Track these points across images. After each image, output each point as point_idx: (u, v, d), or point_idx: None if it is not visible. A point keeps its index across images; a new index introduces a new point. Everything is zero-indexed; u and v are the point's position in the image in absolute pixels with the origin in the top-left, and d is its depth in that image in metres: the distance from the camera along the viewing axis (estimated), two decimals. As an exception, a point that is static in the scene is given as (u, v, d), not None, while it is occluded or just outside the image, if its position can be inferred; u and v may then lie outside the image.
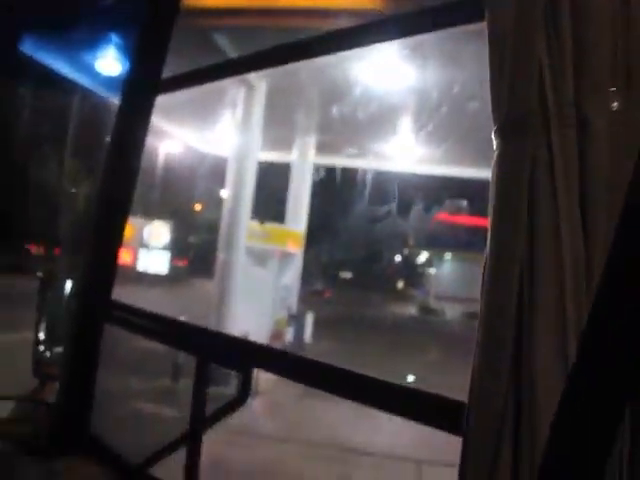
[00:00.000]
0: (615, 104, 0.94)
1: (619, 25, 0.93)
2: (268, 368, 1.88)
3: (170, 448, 2.09)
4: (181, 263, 20.38)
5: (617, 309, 0.77)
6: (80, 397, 2.51)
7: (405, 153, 11.73)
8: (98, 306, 2.48)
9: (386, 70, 8.42)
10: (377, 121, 10.05)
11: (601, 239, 0.92)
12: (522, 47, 1.01)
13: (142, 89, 2.40)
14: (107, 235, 2.54)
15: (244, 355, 1.92)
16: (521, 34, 1.01)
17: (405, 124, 11.35)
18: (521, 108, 1.01)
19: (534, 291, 0.98)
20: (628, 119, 0.92)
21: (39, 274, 3.27)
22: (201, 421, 1.97)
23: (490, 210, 1.05)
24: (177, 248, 16.73)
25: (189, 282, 17.33)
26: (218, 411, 1.94)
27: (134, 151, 2.48)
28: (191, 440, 1.98)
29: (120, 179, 2.51)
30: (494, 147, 1.06)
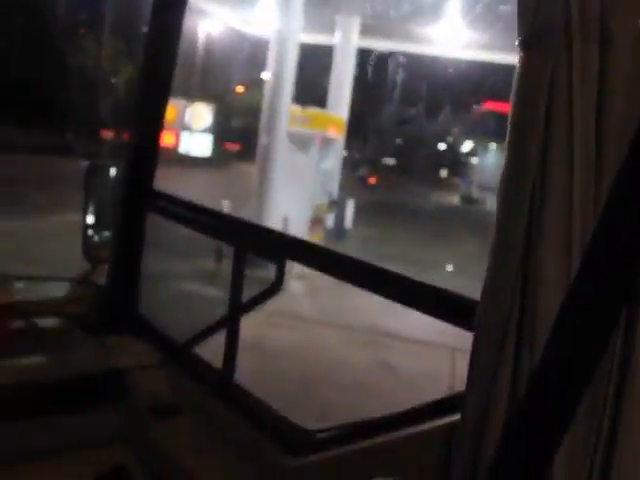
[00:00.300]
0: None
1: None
2: (300, 260, 1.93)
3: (210, 330, 2.19)
4: (233, 147, 20.13)
5: (618, 230, 0.84)
6: (127, 280, 2.61)
7: (452, 37, 11.26)
8: (141, 195, 2.53)
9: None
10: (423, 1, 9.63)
11: (612, 165, 0.93)
12: None
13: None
14: (148, 125, 2.53)
15: (278, 246, 1.97)
16: None
17: (453, 5, 10.84)
18: (545, 20, 0.98)
19: (544, 203, 1.01)
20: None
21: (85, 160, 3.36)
22: (238, 307, 2.05)
23: (508, 123, 1.05)
24: (220, 131, 16.66)
25: (233, 165, 17.41)
26: (254, 298, 2.01)
27: (173, 32, 2.42)
28: (229, 324, 2.07)
29: (160, 63, 2.46)
30: (517, 59, 1.04)
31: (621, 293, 0.84)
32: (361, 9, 11.64)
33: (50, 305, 2.58)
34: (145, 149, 2.56)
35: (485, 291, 1.11)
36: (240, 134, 18.57)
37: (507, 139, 1.06)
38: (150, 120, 2.54)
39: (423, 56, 12.89)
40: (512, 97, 1.04)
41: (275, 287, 1.92)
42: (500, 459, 0.96)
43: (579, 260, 0.94)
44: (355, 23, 11.93)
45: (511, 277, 1.04)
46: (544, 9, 0.98)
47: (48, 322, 2.49)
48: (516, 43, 1.04)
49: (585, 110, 0.95)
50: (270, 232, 2.20)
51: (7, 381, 2.02)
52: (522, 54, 1.02)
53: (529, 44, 1.01)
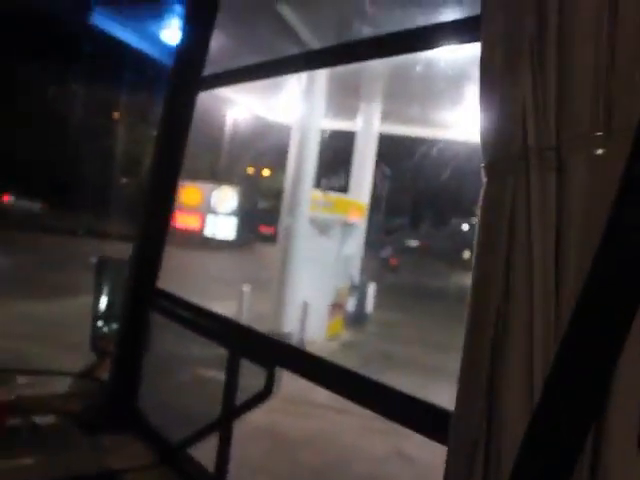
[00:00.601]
0: (597, 151, 0.94)
1: (603, 72, 0.93)
2: (289, 367, 1.93)
3: (205, 432, 2.23)
4: (266, 230, 19.78)
5: (577, 361, 0.84)
6: (128, 375, 2.67)
7: (470, 122, 11.44)
8: (144, 293, 2.62)
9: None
10: (443, 89, 9.84)
11: (571, 293, 0.95)
12: (509, 81, 1.03)
13: (186, 82, 2.46)
14: (155, 223, 2.66)
15: (270, 352, 2.00)
16: (509, 65, 1.03)
17: (471, 92, 11.06)
18: (505, 149, 1.03)
19: (508, 312, 1.04)
20: (607, 168, 0.92)
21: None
22: (232, 410, 2.10)
23: (475, 239, 1.10)
24: (245, 214, 16.86)
25: (258, 248, 17.55)
26: (244, 404, 2.05)
27: (179, 145, 2.56)
28: (223, 427, 2.12)
29: (166, 175, 2.61)
30: (483, 181, 1.09)
31: (588, 417, 0.84)
32: (383, 96, 11.93)
33: (50, 401, 2.61)
34: (151, 247, 2.65)
35: (456, 407, 1.11)
36: (266, 217, 18.71)
37: (474, 256, 1.10)
38: (157, 218, 2.64)
39: (443, 140, 13.11)
40: (477, 221, 1.08)
41: (265, 393, 1.95)
42: None
43: (541, 385, 0.94)
44: (376, 109, 12.25)
45: (479, 396, 1.05)
46: (503, 139, 1.03)
47: (46, 420, 2.50)
48: (481, 168, 1.10)
49: (544, 237, 0.97)
50: (263, 337, 2.20)
51: None
52: (485, 179, 1.07)
53: (491, 171, 1.06)
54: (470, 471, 1.05)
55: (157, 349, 2.77)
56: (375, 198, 13.16)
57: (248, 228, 17.27)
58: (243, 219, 16.15)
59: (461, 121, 11.57)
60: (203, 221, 15.01)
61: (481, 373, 1.06)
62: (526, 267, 1.00)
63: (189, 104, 2.46)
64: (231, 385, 2.09)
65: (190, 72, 2.41)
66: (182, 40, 2.45)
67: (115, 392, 2.66)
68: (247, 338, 2.16)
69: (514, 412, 1.00)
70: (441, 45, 1.57)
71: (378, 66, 9.80)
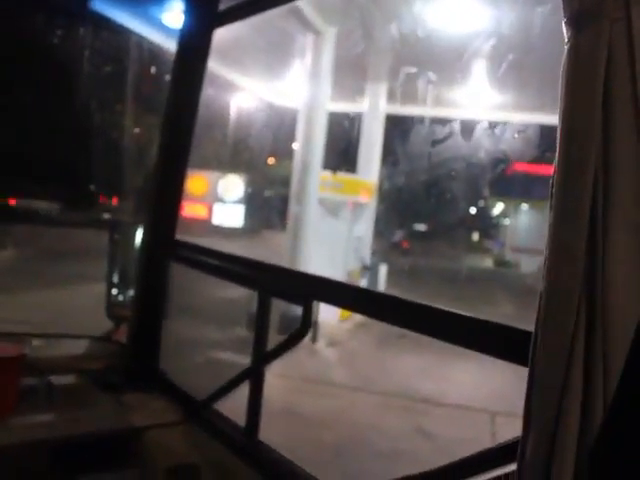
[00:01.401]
0: None
1: None
2: (328, 300, 1.83)
3: (233, 384, 2.11)
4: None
5: None
6: (148, 335, 2.58)
7: (479, 99, 11.35)
8: (163, 245, 2.51)
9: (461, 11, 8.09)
10: (450, 66, 9.74)
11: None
12: None
13: (199, 23, 2.37)
14: (170, 180, 2.55)
15: (304, 288, 1.88)
16: None
17: (480, 69, 10.94)
18: None
19: (609, 200, 0.87)
20: None
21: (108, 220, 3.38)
22: (263, 355, 1.98)
23: (560, 115, 0.94)
24: (251, 201, 16.82)
25: (264, 235, 17.50)
26: (279, 346, 1.92)
27: (193, 91, 2.44)
28: (253, 375, 2.00)
29: (182, 118, 2.48)
30: (565, 40, 0.94)
31: None
32: (389, 76, 11.84)
33: (68, 361, 2.53)
34: (168, 196, 2.54)
35: (540, 317, 0.95)
36: (271, 204, 18.72)
37: (559, 134, 0.93)
38: (172, 178, 2.54)
39: (450, 119, 12.97)
40: (562, 87, 0.92)
41: (302, 331, 1.84)
42: None
43: None
44: (383, 89, 12.14)
45: (572, 297, 0.88)
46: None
47: (65, 379, 2.42)
48: (563, 24, 0.96)
49: None
50: (294, 273, 2.13)
51: (20, 440, 1.94)
52: (571, 33, 0.91)
53: (579, 20, 0.90)
54: (563, 392, 0.90)
55: (177, 306, 2.67)
56: (384, 183, 13.03)
57: (256, 216, 17.22)
58: (250, 207, 16.09)
59: (470, 99, 11.49)
60: (211, 210, 14.93)
61: (573, 265, 0.89)
62: (629, 129, 0.84)
63: (205, 40, 2.36)
64: (262, 328, 1.97)
65: (206, 6, 2.30)
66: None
67: (135, 352, 2.57)
68: (277, 276, 2.03)
69: (621, 311, 0.85)
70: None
71: (385, 45, 9.70)
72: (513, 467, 1.01)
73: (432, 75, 10.66)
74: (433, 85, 11.02)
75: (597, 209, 0.87)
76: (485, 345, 1.30)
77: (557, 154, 0.94)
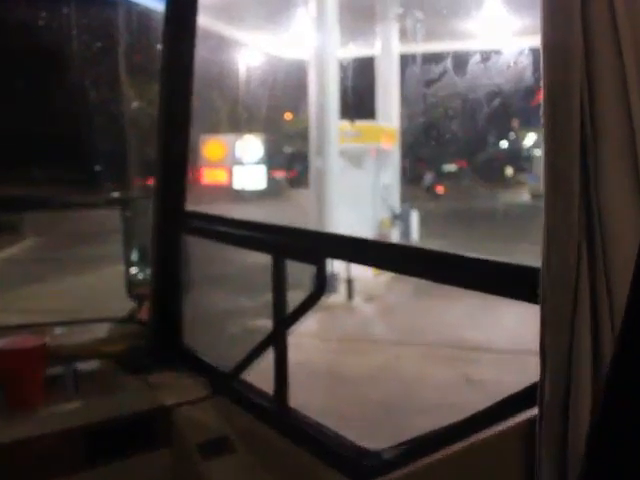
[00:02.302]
0: None
1: None
2: (343, 257, 1.90)
3: (257, 352, 2.11)
4: (282, 174, 19.82)
5: None
6: (169, 311, 2.59)
7: (497, 27, 10.84)
8: (173, 217, 2.52)
9: None
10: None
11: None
12: None
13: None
14: (173, 147, 2.51)
15: (317, 247, 1.87)
16: None
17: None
18: None
19: (599, 135, 0.90)
20: None
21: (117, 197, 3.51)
22: (283, 319, 1.96)
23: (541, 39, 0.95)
24: (273, 160, 16.45)
25: (289, 194, 17.29)
26: (297, 309, 1.91)
27: (186, 48, 2.41)
28: (276, 340, 1.99)
29: (179, 79, 2.44)
30: None
31: None
32: (398, 14, 11.36)
33: (91, 346, 2.53)
34: (174, 167, 2.50)
35: (545, 252, 0.96)
36: (292, 159, 18.43)
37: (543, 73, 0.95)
38: (175, 148, 2.49)
39: (470, 53, 12.43)
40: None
41: (318, 291, 1.82)
42: (592, 446, 0.83)
43: None
44: (394, 30, 11.65)
45: (572, 229, 0.92)
46: None
47: (89, 365, 2.44)
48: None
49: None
50: (307, 233, 2.15)
51: (51, 430, 1.98)
52: None
53: None
54: (573, 328, 0.92)
55: (198, 278, 2.67)
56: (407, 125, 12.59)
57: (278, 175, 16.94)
58: (270, 166, 15.75)
59: (485, 29, 11.00)
60: (231, 174, 14.55)
61: (572, 198, 0.92)
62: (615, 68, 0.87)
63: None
64: (280, 292, 1.95)
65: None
66: None
67: (158, 330, 2.58)
68: (289, 238, 2.02)
69: (621, 239, 0.88)
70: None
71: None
72: (534, 411, 1.03)
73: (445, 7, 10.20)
74: (445, 18, 10.54)
75: (586, 134, 0.91)
76: (496, 286, 1.36)
77: (542, 80, 0.96)
